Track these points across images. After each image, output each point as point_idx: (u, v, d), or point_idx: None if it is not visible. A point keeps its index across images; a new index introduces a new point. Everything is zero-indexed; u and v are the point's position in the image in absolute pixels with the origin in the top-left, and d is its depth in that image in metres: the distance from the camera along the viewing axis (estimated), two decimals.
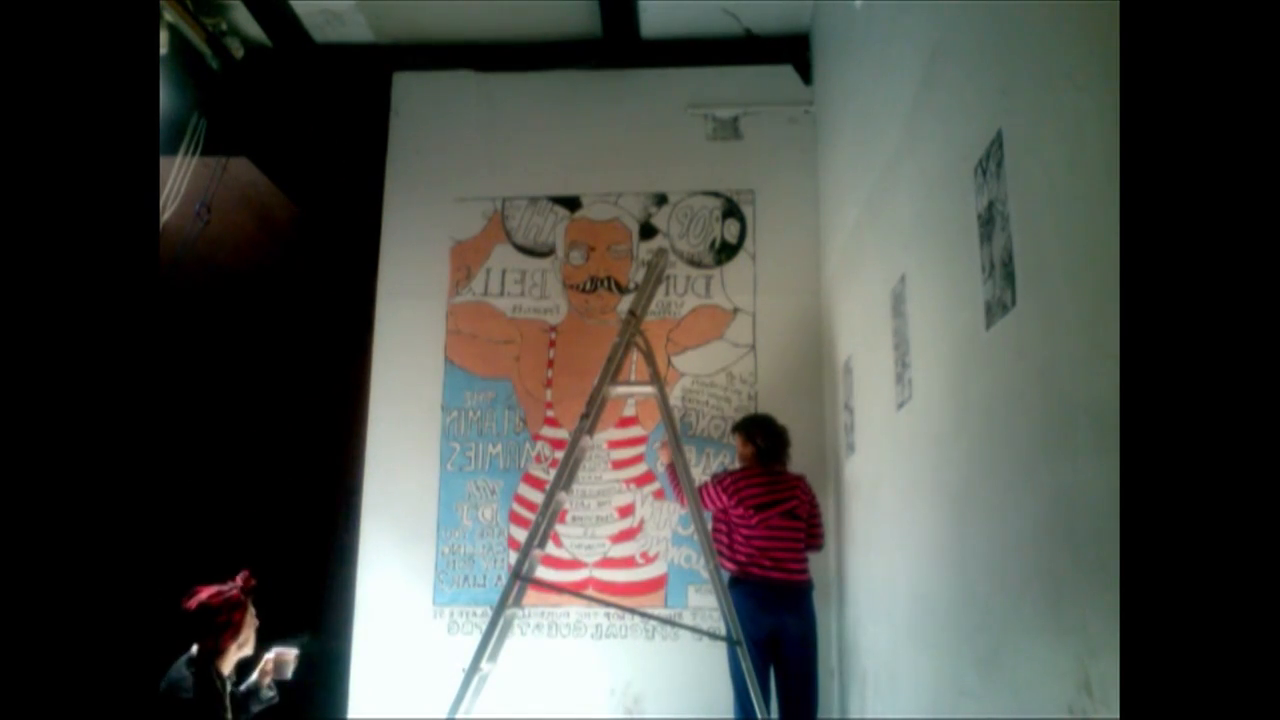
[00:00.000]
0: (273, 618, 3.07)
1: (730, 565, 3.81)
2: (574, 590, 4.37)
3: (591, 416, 3.72)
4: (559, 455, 4.59)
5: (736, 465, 4.13)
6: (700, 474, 4.51)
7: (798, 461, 4.52)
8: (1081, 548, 1.53)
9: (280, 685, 3.01)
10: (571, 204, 4.90)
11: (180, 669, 2.73)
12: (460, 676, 3.54)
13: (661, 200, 4.87)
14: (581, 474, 4.57)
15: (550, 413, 4.65)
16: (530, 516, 4.53)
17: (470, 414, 4.60)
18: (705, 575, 4.35)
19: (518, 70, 5.03)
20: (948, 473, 2.36)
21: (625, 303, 4.76)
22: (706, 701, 4.12)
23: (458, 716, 3.50)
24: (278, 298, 6.97)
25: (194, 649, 2.79)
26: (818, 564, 4.35)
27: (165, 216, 4.71)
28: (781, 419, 4.55)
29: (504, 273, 4.82)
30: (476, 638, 3.83)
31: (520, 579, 3.66)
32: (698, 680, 4.07)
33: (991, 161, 1.99)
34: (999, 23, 2.02)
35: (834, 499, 4.23)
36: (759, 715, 3.42)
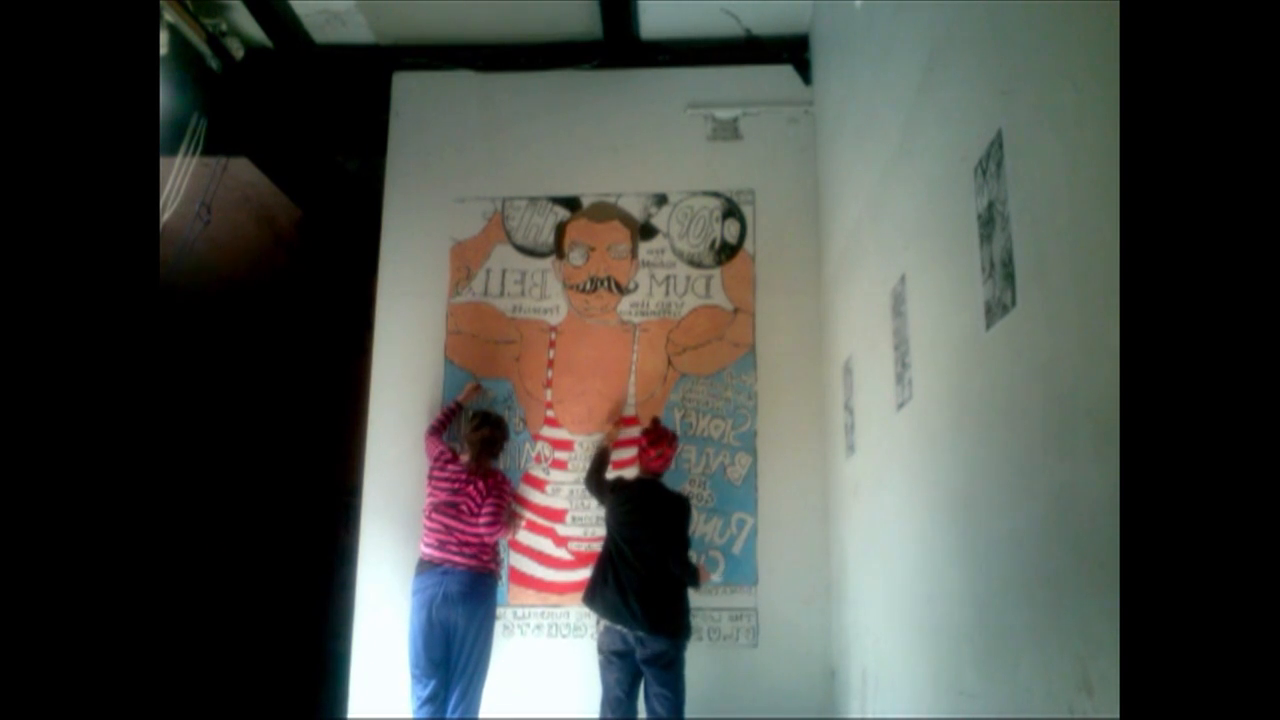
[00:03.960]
0: (273, 618, 3.07)
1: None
2: (574, 590, 4.38)
3: None
4: (559, 455, 4.60)
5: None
6: (700, 474, 4.52)
7: (796, 461, 4.53)
8: (1081, 548, 1.53)
9: None
10: (571, 204, 4.90)
11: None
12: None
13: (661, 200, 4.87)
14: (582, 474, 4.58)
15: (550, 413, 4.65)
16: (531, 517, 4.53)
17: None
18: (716, 580, 4.39)
19: (518, 70, 5.03)
20: (948, 473, 2.36)
21: (625, 303, 4.76)
22: (706, 701, 4.12)
23: None
24: (278, 298, 6.97)
25: None
26: (818, 563, 4.36)
27: (165, 217, 4.71)
28: (781, 419, 4.58)
29: (504, 273, 4.82)
30: None
31: None
32: (697, 680, 4.07)
33: (991, 161, 1.99)
34: (999, 23, 2.02)
35: (833, 499, 4.23)
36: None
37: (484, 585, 3.97)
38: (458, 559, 3.94)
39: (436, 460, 4.18)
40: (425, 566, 3.97)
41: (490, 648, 3.99)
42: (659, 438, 4.11)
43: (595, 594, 3.90)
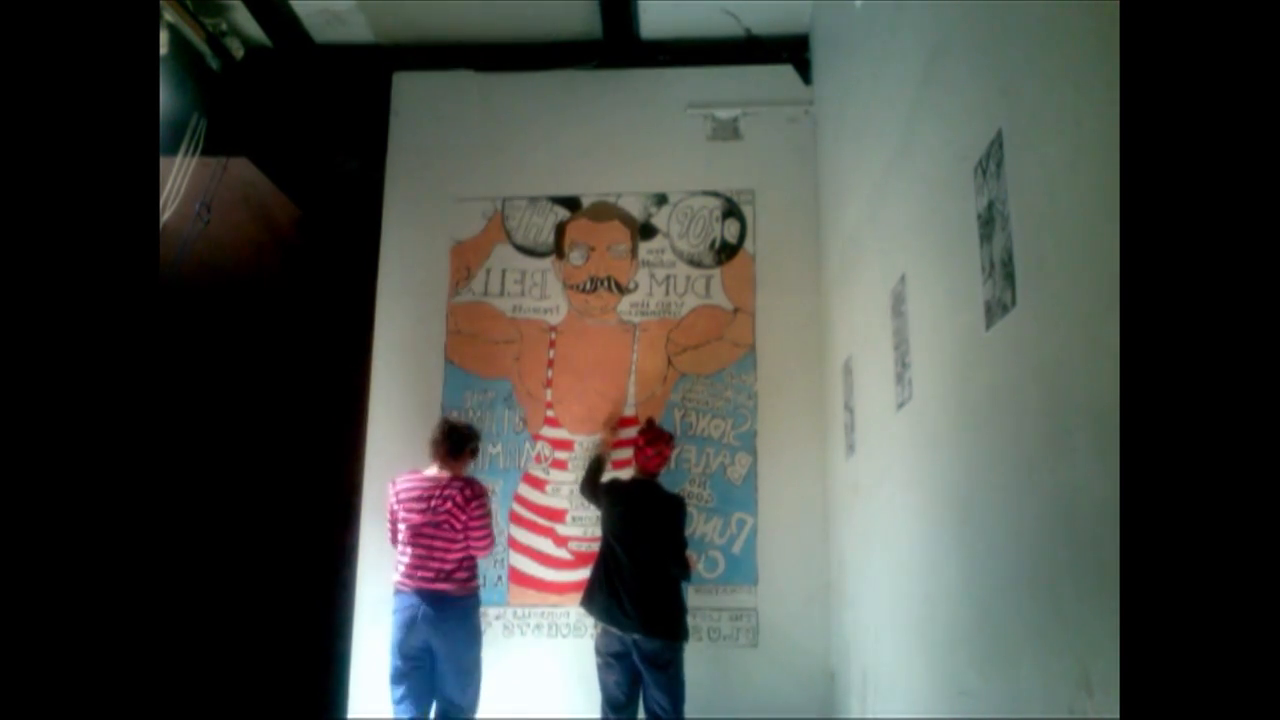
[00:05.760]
0: (273, 618, 3.07)
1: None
2: (574, 590, 4.38)
3: None
4: (559, 455, 4.60)
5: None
6: (700, 474, 4.52)
7: (796, 461, 4.54)
8: (1081, 548, 1.53)
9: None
10: (571, 204, 4.90)
11: None
12: None
13: (661, 200, 4.87)
14: (582, 474, 4.58)
15: (550, 413, 4.65)
16: (531, 517, 4.54)
17: (470, 414, 4.60)
18: (706, 575, 4.37)
19: (518, 70, 5.03)
20: (948, 473, 2.36)
21: (625, 303, 4.76)
22: (706, 701, 4.13)
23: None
24: (278, 298, 6.97)
25: None
26: (818, 563, 4.36)
27: (165, 216, 4.71)
28: (781, 419, 4.58)
29: (504, 273, 4.82)
30: None
31: None
32: (697, 680, 4.07)
33: (991, 161, 1.99)
34: (999, 23, 2.01)
35: (833, 499, 4.24)
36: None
37: (463, 606, 3.80)
38: (430, 584, 3.75)
39: (395, 486, 3.94)
40: (401, 591, 3.79)
41: (479, 663, 3.84)
42: (656, 437, 4.12)
43: (592, 597, 3.90)
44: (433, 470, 3.93)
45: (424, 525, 3.80)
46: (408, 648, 3.74)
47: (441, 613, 3.73)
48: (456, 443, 3.95)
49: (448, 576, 3.77)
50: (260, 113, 5.20)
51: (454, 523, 3.79)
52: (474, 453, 4.07)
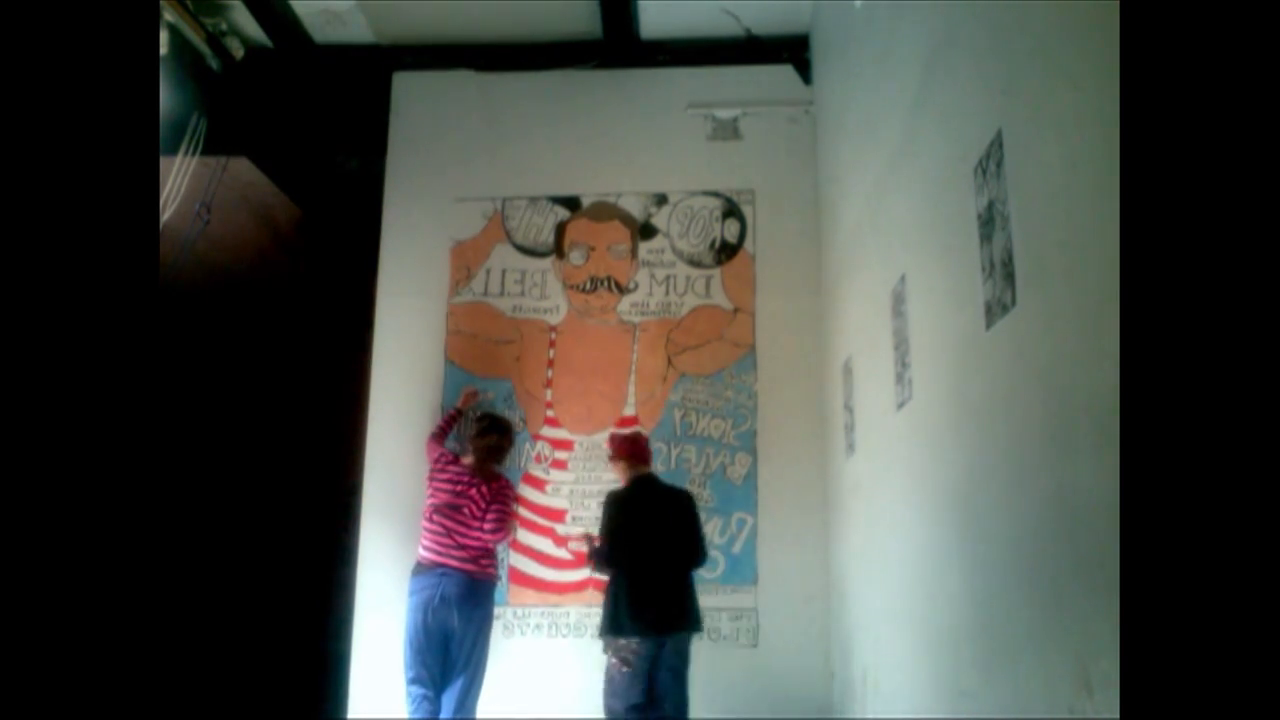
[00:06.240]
0: (273, 618, 3.07)
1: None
2: (574, 590, 4.39)
3: None
4: (559, 455, 4.60)
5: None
6: (700, 474, 4.52)
7: (796, 461, 4.54)
8: (1081, 548, 1.53)
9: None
10: (571, 204, 4.90)
11: None
12: None
13: (661, 200, 4.87)
14: (582, 474, 4.58)
15: (550, 413, 4.65)
16: (531, 517, 4.53)
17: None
18: (706, 575, 4.37)
19: (518, 70, 5.03)
20: (948, 473, 2.36)
21: (625, 302, 4.76)
22: (706, 701, 4.12)
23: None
24: (278, 298, 6.97)
25: None
26: (818, 563, 4.36)
27: (165, 216, 4.70)
28: (781, 419, 4.58)
29: (504, 273, 4.82)
30: None
31: None
32: (697, 680, 4.07)
33: (991, 161, 1.99)
34: (999, 23, 2.02)
35: (833, 499, 4.24)
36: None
37: (482, 590, 3.94)
38: (455, 562, 3.90)
39: (437, 462, 4.17)
40: (423, 568, 3.94)
41: (487, 652, 3.95)
42: (619, 440, 4.01)
43: (628, 619, 3.60)
44: (469, 460, 4.15)
45: (446, 506, 4.01)
46: (425, 635, 3.82)
47: (461, 592, 3.86)
48: (501, 451, 4.22)
49: (472, 560, 3.93)
50: (260, 113, 5.20)
51: (474, 509, 3.98)
52: None
